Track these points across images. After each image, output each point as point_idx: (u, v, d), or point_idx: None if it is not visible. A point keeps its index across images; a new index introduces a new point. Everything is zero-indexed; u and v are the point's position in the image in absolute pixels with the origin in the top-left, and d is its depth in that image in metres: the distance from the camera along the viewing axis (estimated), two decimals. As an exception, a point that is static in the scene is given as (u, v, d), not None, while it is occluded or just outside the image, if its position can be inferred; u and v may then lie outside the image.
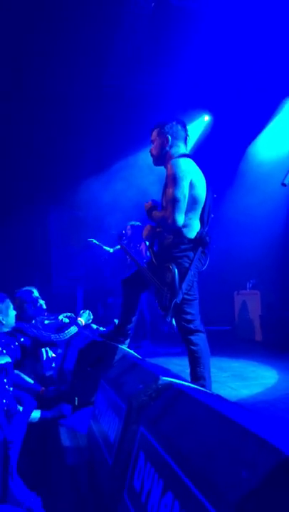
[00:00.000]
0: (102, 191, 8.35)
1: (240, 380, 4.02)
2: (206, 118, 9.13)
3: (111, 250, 6.80)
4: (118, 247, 6.57)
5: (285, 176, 1.86)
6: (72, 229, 9.04)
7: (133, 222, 6.52)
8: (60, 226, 9.43)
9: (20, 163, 8.42)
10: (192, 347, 2.73)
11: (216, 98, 8.40)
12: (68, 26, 7.06)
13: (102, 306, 8.73)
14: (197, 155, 9.58)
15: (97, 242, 6.88)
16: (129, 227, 6.47)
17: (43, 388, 3.38)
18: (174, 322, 2.84)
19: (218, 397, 1.60)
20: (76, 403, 3.14)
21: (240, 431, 1.08)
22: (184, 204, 2.72)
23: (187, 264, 2.73)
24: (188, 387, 1.66)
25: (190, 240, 2.77)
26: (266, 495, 0.85)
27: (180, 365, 4.56)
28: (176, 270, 2.63)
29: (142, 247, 6.22)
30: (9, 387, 2.69)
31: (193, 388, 1.68)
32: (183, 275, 2.69)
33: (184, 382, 1.75)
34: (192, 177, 2.77)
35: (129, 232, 6.41)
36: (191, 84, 8.09)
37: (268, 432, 1.04)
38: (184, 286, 2.67)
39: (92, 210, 8.53)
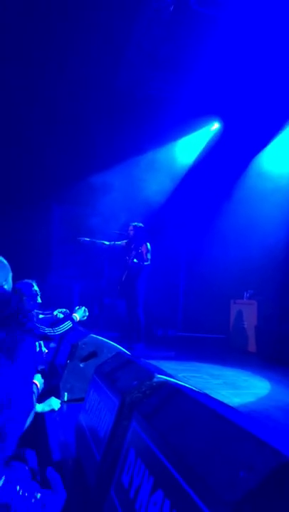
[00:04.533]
0: (107, 190, 8.35)
1: (232, 388, 3.98)
2: (216, 125, 9.16)
3: (106, 242, 6.71)
4: (119, 242, 6.51)
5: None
6: (75, 227, 9.02)
7: (136, 223, 6.48)
8: (63, 223, 9.41)
9: (25, 160, 8.41)
10: None
11: (227, 106, 8.43)
12: (84, 25, 7.10)
13: (98, 306, 8.69)
14: (202, 162, 9.64)
15: (88, 239, 6.77)
16: (131, 227, 6.44)
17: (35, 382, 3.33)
18: None
19: (214, 398, 1.56)
20: (66, 398, 3.09)
21: (239, 432, 1.04)
22: None
23: None
24: (184, 386, 1.63)
25: None
26: (265, 496, 0.81)
27: (173, 369, 4.52)
28: None
29: (143, 248, 6.18)
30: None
31: (188, 388, 1.64)
32: None
33: (178, 382, 1.72)
34: None
35: (131, 232, 6.38)
36: (204, 91, 8.11)
37: (266, 434, 1.01)
38: None
39: (96, 209, 8.51)
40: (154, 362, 5.14)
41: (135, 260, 6.10)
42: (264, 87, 7.30)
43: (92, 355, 3.11)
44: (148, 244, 6.26)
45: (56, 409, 2.95)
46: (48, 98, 8.16)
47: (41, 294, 4.16)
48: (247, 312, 7.30)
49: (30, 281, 3.90)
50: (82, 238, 6.74)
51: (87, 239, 6.79)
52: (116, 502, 1.32)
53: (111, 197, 8.27)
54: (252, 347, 6.88)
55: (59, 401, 3.02)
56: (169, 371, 4.25)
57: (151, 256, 6.24)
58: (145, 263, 6.14)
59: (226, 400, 3.39)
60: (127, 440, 1.46)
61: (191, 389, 1.65)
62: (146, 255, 6.17)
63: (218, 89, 7.97)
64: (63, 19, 6.99)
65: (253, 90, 7.52)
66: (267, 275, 7.37)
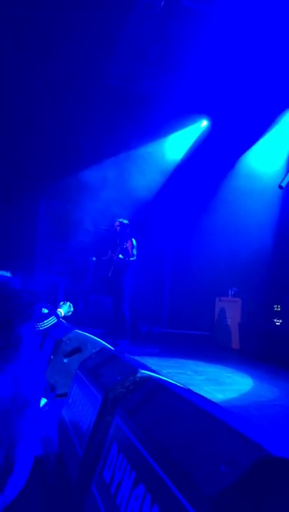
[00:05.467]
0: (95, 187, 8.30)
1: (215, 384, 4.01)
2: (204, 123, 9.18)
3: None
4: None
5: (283, 179, 1.86)
6: (62, 222, 8.94)
7: (122, 220, 6.47)
8: (50, 219, 9.31)
9: (13, 155, 8.30)
10: None
11: (216, 104, 8.45)
12: (75, 21, 7.00)
13: (83, 302, 8.65)
14: (190, 159, 9.68)
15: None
16: (118, 223, 6.43)
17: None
18: None
19: (197, 394, 1.57)
20: (49, 393, 3.07)
21: (221, 426, 1.05)
22: None
23: None
24: (168, 382, 1.63)
25: None
26: (245, 491, 0.81)
27: (158, 365, 4.54)
28: None
29: (129, 244, 6.17)
30: None
31: (172, 383, 1.64)
32: None
33: (162, 377, 1.72)
34: None
35: (118, 228, 6.37)
36: (193, 88, 8.12)
37: (248, 429, 1.02)
38: None
39: (84, 205, 8.45)
40: (138, 358, 5.16)
41: (121, 256, 6.09)
42: (253, 86, 7.34)
43: (77, 350, 3.09)
44: (134, 240, 6.26)
45: (40, 405, 2.92)
46: (38, 93, 8.05)
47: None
48: (231, 309, 7.37)
49: (5, 272, 3.84)
50: (92, 258, 6.69)
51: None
52: (97, 497, 1.31)
53: (98, 193, 8.22)
54: (235, 344, 6.96)
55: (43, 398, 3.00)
56: (154, 367, 4.27)
57: (137, 252, 6.24)
58: (131, 259, 6.14)
59: (208, 396, 3.42)
60: (110, 435, 1.46)
61: (175, 384, 1.66)
62: (132, 251, 6.16)
63: (207, 86, 7.98)
64: (54, 15, 6.89)
65: (242, 88, 7.56)
66: (252, 273, 7.45)
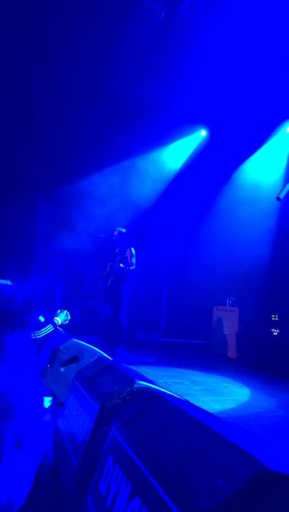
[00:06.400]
0: (94, 194, 8.33)
1: (212, 394, 3.99)
2: (203, 133, 9.26)
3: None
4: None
5: (281, 191, 1.88)
6: (61, 228, 8.96)
7: (120, 228, 6.51)
8: (49, 224, 9.32)
9: (14, 159, 8.32)
10: None
11: (215, 114, 8.53)
12: (76, 28, 7.08)
13: (80, 309, 8.63)
14: (189, 168, 9.73)
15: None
16: (116, 232, 6.45)
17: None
18: None
19: (194, 405, 1.57)
20: (45, 403, 3.04)
21: (218, 439, 1.04)
22: None
23: None
24: (165, 393, 1.62)
25: None
26: (241, 505, 0.81)
27: (155, 375, 4.52)
28: None
29: (128, 253, 6.19)
30: None
31: (169, 394, 1.64)
32: None
33: (160, 388, 1.71)
34: None
35: (116, 237, 6.40)
36: (192, 98, 8.20)
37: (245, 443, 1.02)
38: None
39: (83, 212, 8.48)
40: (135, 367, 5.14)
41: (121, 265, 6.11)
42: (252, 96, 7.43)
43: (73, 359, 3.07)
44: (132, 249, 6.28)
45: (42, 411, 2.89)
46: (38, 99, 8.11)
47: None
48: (229, 319, 7.36)
49: (5, 281, 3.83)
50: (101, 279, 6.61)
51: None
52: (92, 510, 1.30)
53: (98, 200, 8.25)
54: (233, 353, 6.93)
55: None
56: (150, 377, 4.23)
57: (136, 260, 6.26)
58: (130, 268, 6.16)
59: (206, 407, 3.40)
60: (106, 446, 1.45)
61: (172, 395, 1.65)
62: (131, 260, 6.18)
63: (206, 96, 8.07)
64: (55, 22, 6.97)
65: (240, 99, 7.64)
66: (249, 282, 7.46)
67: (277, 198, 1.87)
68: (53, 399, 2.96)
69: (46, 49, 7.47)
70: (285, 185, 2.05)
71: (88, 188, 8.38)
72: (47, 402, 2.90)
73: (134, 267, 6.20)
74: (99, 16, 6.76)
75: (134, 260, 6.20)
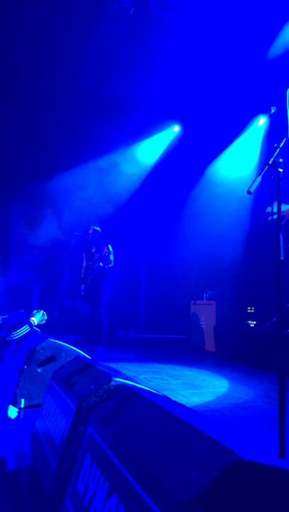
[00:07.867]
0: (68, 192, 8.23)
1: (191, 388, 4.03)
2: (176, 128, 9.29)
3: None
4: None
5: (251, 184, 1.90)
6: (34, 228, 8.81)
7: (94, 227, 6.47)
8: (22, 224, 9.15)
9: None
10: None
11: (187, 109, 8.58)
12: (46, 23, 6.95)
13: (58, 309, 8.54)
14: (163, 164, 9.77)
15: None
16: (91, 230, 6.41)
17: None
18: None
19: (171, 400, 1.57)
20: (23, 405, 3.00)
21: (193, 432, 1.05)
22: None
23: None
24: (141, 389, 1.62)
25: None
26: (216, 496, 0.82)
27: (135, 371, 4.52)
28: None
29: (106, 250, 6.16)
30: None
31: (146, 390, 1.64)
32: None
33: (136, 384, 1.71)
34: None
35: (91, 235, 6.36)
36: (164, 93, 8.21)
37: (219, 434, 1.03)
38: None
39: (56, 210, 8.36)
40: (115, 364, 5.14)
41: (101, 264, 6.08)
42: (223, 92, 7.50)
43: (51, 359, 3.04)
44: (110, 246, 6.26)
45: (13, 417, 2.85)
46: (9, 96, 7.93)
47: None
48: (206, 313, 7.45)
49: None
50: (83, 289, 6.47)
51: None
52: (71, 510, 1.29)
53: (72, 198, 8.17)
54: (211, 346, 7.03)
55: (16, 409, 2.93)
56: (130, 373, 4.25)
57: (114, 257, 6.25)
58: (110, 265, 6.15)
59: (185, 400, 3.43)
60: (83, 446, 1.43)
61: (149, 391, 1.65)
62: (109, 257, 6.16)
63: (178, 92, 8.10)
64: (25, 19, 6.82)
65: (211, 95, 7.71)
66: (226, 276, 7.57)
67: (248, 192, 1.90)
68: (27, 402, 2.92)
69: (17, 47, 7.30)
70: (256, 178, 2.07)
71: (61, 186, 8.28)
72: (13, 411, 2.86)
73: (112, 264, 6.19)
74: (70, 12, 6.66)
75: (112, 257, 6.19)
